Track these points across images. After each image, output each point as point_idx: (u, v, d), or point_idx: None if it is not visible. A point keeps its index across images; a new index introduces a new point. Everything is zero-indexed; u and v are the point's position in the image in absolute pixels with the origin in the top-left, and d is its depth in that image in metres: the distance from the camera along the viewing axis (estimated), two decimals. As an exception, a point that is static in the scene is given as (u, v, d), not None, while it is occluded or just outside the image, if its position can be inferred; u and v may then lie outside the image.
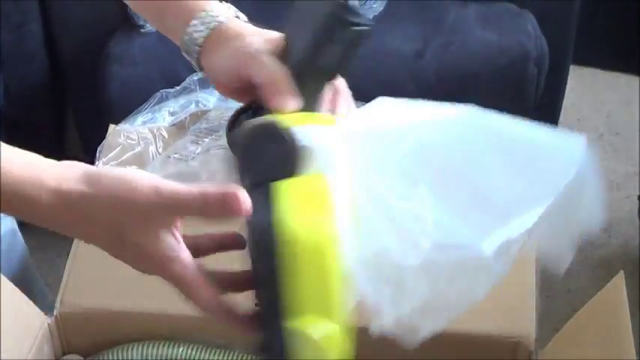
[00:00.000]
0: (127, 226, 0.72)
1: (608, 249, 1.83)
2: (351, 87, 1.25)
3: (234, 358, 1.05)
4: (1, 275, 1.01)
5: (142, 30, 1.70)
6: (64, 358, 1.09)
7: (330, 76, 0.82)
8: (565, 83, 1.87)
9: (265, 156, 0.74)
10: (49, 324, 1.07)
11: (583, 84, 2.18)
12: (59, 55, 1.80)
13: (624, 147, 2.04)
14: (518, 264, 1.07)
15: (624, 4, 2.13)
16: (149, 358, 1.05)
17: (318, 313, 0.73)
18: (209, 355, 1.05)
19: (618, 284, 0.93)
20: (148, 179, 0.72)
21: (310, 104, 0.79)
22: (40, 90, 1.80)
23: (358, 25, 0.78)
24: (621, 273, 0.93)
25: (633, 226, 1.83)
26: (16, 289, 1.05)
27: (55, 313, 1.07)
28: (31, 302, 1.06)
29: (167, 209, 0.72)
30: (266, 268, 0.71)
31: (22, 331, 1.05)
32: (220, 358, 1.05)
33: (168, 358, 1.05)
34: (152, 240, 0.73)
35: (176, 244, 0.74)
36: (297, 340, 0.73)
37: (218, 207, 0.71)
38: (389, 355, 1.06)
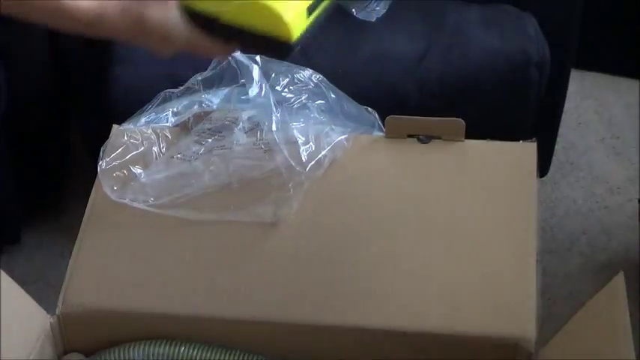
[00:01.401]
0: None
1: (609, 253, 1.83)
2: (354, 90, 1.26)
3: (236, 357, 1.06)
4: (3, 274, 1.02)
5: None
6: (66, 357, 1.09)
7: None
8: (566, 87, 1.88)
9: None
10: (51, 323, 1.08)
11: (584, 88, 2.19)
12: (62, 56, 1.80)
13: (625, 151, 2.04)
14: (519, 266, 1.08)
15: (626, 7, 2.13)
16: (150, 357, 1.05)
17: None
18: (210, 355, 1.05)
19: (618, 284, 0.94)
20: None
21: None
22: (44, 90, 1.81)
23: None
24: (621, 273, 0.94)
25: (634, 229, 1.83)
26: (18, 288, 1.05)
27: (57, 313, 1.08)
28: (33, 301, 1.06)
29: None
30: None
31: (24, 330, 1.05)
32: (221, 357, 1.05)
33: (170, 357, 1.06)
34: None
35: None
36: None
37: None
38: (387, 355, 1.07)
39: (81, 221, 1.14)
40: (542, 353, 1.01)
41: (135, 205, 1.12)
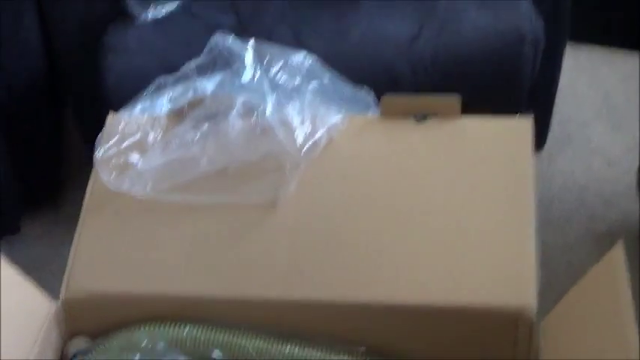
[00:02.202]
0: None
1: (608, 222, 1.83)
2: (348, 71, 1.27)
3: (240, 337, 1.07)
4: (5, 263, 1.02)
5: (137, 20, 1.70)
6: (72, 341, 1.09)
7: None
8: (561, 62, 1.88)
9: None
10: (55, 309, 1.08)
11: (580, 61, 2.19)
12: (56, 45, 1.80)
13: (622, 123, 2.05)
14: (518, 238, 1.09)
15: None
16: (155, 339, 1.06)
17: None
18: (213, 335, 1.06)
19: (618, 253, 0.94)
20: None
21: None
22: (38, 80, 1.81)
23: None
24: (620, 242, 0.94)
25: (633, 200, 1.83)
26: (21, 275, 1.05)
27: (61, 298, 1.08)
28: (36, 288, 1.07)
29: None
30: None
31: (29, 317, 1.06)
32: (226, 338, 1.06)
33: (174, 338, 1.06)
34: None
35: None
36: None
37: None
38: (389, 330, 1.07)
39: (80, 211, 1.15)
40: (544, 323, 1.02)
41: (133, 192, 1.12)
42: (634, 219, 1.82)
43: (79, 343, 1.09)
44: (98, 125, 1.19)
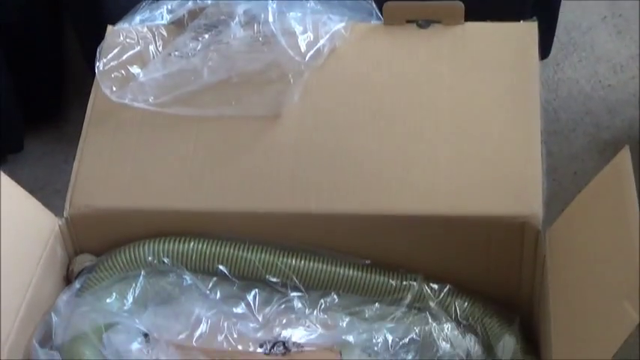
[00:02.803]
0: None
1: (613, 130, 1.82)
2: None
3: (246, 251, 1.07)
4: (8, 179, 1.02)
5: None
6: (77, 258, 1.10)
7: None
8: (566, -34, 1.85)
9: None
10: (59, 225, 1.08)
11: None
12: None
13: (628, 29, 2.02)
14: (524, 145, 1.08)
15: None
16: (160, 254, 1.06)
17: None
18: (219, 249, 1.06)
19: (623, 159, 0.93)
20: None
21: None
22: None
23: None
24: (626, 148, 0.93)
25: (637, 107, 1.82)
26: (26, 192, 1.05)
27: (65, 215, 1.08)
28: (40, 205, 1.07)
29: None
30: None
31: (33, 234, 1.06)
32: (231, 252, 1.06)
33: (179, 253, 1.06)
34: None
35: None
36: None
37: None
38: (395, 241, 1.07)
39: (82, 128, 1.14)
40: (550, 231, 1.02)
41: (135, 104, 1.11)
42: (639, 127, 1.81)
43: (84, 260, 1.09)
44: (97, 40, 1.18)
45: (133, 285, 1.06)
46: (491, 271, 1.08)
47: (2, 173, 1.01)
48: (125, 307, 1.05)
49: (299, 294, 1.06)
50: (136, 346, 1.02)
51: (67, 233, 1.09)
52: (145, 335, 1.03)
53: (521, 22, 1.19)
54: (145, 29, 1.17)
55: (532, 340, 1.05)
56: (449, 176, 1.07)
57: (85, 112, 1.15)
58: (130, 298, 1.06)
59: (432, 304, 1.06)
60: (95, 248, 1.10)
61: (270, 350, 1.03)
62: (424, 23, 1.18)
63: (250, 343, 1.04)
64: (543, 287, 1.01)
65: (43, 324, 1.03)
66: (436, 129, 1.10)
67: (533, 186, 1.05)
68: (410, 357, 1.04)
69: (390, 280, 1.06)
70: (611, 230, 0.91)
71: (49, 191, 1.70)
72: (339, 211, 1.06)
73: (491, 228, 1.04)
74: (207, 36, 1.15)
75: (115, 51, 1.15)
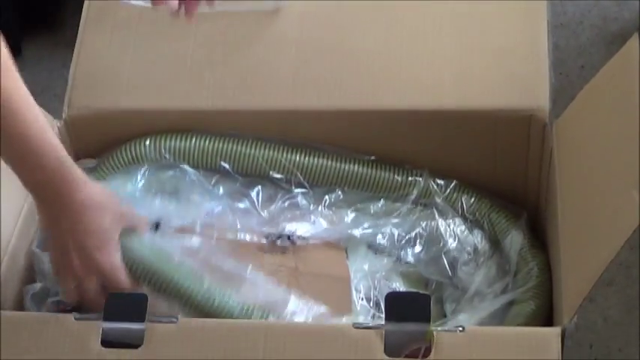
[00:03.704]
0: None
1: (622, 22, 1.80)
2: None
3: (249, 147, 1.05)
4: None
5: None
6: (80, 161, 1.08)
7: None
8: None
9: None
10: (58, 128, 1.07)
11: None
12: None
13: None
14: (530, 39, 1.06)
15: None
16: (161, 150, 1.05)
17: None
18: (223, 146, 1.05)
19: (631, 49, 0.92)
20: None
21: None
22: None
23: None
24: (635, 37, 0.91)
25: (647, -3, 1.80)
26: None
27: (63, 117, 1.07)
28: (38, 107, 1.05)
29: None
30: None
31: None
32: (235, 148, 1.05)
33: (181, 149, 1.05)
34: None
35: None
36: None
37: None
38: (399, 136, 1.06)
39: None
40: (558, 123, 1.00)
41: (132, 2, 1.09)
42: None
43: (85, 163, 1.08)
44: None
45: (137, 177, 1.06)
46: (498, 166, 1.07)
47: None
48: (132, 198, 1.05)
49: (303, 190, 1.06)
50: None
51: (65, 135, 1.08)
52: (156, 225, 1.03)
53: None
54: None
55: (539, 235, 1.05)
56: (454, 71, 1.05)
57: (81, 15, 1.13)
58: (136, 190, 1.05)
59: (438, 199, 1.05)
60: (94, 150, 1.09)
61: (275, 242, 1.03)
62: None
63: (255, 236, 1.03)
64: (550, 181, 1.00)
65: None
66: (440, 25, 1.08)
67: (540, 79, 1.03)
68: (416, 251, 1.04)
69: (396, 176, 1.05)
70: (619, 120, 0.90)
71: (48, 96, 1.67)
72: (342, 107, 1.04)
73: (497, 122, 1.03)
74: None
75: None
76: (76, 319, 0.87)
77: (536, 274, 1.00)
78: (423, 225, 1.04)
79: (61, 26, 1.87)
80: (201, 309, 0.94)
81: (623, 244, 0.80)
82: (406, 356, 0.84)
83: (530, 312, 0.96)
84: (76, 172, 0.92)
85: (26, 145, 0.88)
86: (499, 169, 1.07)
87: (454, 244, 1.04)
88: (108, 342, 0.86)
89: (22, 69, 0.89)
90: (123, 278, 0.94)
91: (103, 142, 1.08)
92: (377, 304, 1.00)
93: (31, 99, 0.89)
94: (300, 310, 0.95)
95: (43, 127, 0.89)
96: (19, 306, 0.99)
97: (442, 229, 1.04)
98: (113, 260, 0.94)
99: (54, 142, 0.90)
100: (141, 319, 0.86)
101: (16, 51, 1.77)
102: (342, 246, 1.04)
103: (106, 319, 0.86)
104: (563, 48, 1.74)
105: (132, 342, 0.86)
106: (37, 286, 1.00)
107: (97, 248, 0.93)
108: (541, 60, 1.05)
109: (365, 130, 1.06)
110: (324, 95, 1.05)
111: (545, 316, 0.96)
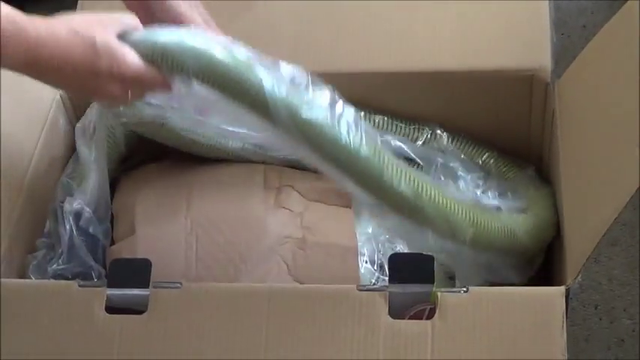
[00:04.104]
0: None
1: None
2: None
3: None
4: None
5: None
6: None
7: None
8: None
9: None
10: (61, 95, 1.07)
11: None
12: None
13: None
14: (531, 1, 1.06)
15: None
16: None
17: None
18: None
19: (632, 6, 0.91)
20: None
21: None
22: None
23: None
24: (635, -3, 0.90)
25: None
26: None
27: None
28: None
29: None
30: None
31: (33, 105, 1.04)
32: None
33: None
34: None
35: None
36: None
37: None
38: (403, 97, 1.06)
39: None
40: (559, 84, 1.00)
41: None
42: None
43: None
44: None
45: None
46: (501, 127, 1.07)
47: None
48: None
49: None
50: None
51: (68, 103, 1.07)
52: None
53: None
54: None
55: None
56: (454, 32, 1.05)
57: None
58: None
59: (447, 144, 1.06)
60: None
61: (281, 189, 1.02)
62: None
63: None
64: (553, 141, 1.00)
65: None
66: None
67: (541, 39, 1.03)
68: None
69: (405, 127, 1.06)
70: (620, 80, 0.90)
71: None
72: (344, 69, 1.04)
73: (498, 82, 1.03)
74: None
75: None
76: (80, 286, 0.88)
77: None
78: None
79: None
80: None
81: (626, 204, 0.80)
82: (410, 317, 0.85)
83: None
84: (38, 23, 0.80)
85: None
86: (502, 129, 1.07)
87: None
88: (112, 308, 0.86)
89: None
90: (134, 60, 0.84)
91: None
92: (381, 267, 1.00)
93: None
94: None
95: None
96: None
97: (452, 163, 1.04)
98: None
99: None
100: (145, 284, 0.86)
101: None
102: (350, 210, 1.02)
103: (110, 285, 0.87)
104: (564, 8, 1.73)
105: (136, 308, 0.86)
106: (40, 254, 1.00)
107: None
108: (542, 20, 1.04)
109: (365, 92, 1.05)
110: (325, 58, 1.04)
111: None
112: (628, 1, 0.92)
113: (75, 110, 1.09)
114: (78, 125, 1.03)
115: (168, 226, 0.97)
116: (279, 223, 0.98)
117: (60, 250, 0.99)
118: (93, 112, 1.02)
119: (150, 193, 1.00)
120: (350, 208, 1.02)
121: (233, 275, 0.94)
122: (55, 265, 0.98)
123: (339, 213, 1.02)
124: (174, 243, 0.96)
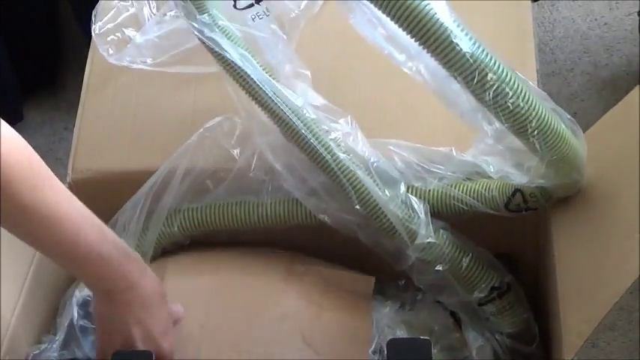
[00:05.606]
0: None
1: (612, 68, 1.81)
2: None
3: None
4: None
5: None
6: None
7: None
8: None
9: None
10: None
11: None
12: None
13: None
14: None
15: None
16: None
17: None
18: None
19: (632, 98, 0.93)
20: None
21: None
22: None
23: None
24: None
25: (635, 44, 1.82)
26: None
27: (68, 181, 1.08)
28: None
29: None
30: None
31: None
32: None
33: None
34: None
35: None
36: None
37: None
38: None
39: (80, 94, 1.14)
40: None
41: (134, 66, 1.11)
42: (637, 64, 1.80)
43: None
44: (90, 3, 1.17)
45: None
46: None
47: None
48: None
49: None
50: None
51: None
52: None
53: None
54: (138, -10, 1.17)
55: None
56: (448, 122, 1.06)
57: (82, 78, 1.15)
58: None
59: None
60: (100, 214, 1.09)
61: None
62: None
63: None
64: (547, 229, 1.01)
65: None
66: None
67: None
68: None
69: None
70: (619, 168, 0.92)
71: (50, 160, 1.67)
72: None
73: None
74: (201, -5, 1.14)
75: (110, 14, 1.14)
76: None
77: None
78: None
79: (61, 90, 1.88)
80: None
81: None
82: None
83: None
84: (140, 261, 0.93)
85: (88, 249, 0.89)
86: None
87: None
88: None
89: (23, 134, 0.90)
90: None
91: (108, 205, 1.07)
92: (380, 351, 1.01)
93: (78, 203, 0.91)
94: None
95: (100, 226, 0.91)
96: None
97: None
98: (172, 344, 0.95)
99: (113, 239, 0.92)
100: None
101: (17, 115, 1.80)
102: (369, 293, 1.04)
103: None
104: (554, 95, 1.75)
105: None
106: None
107: (163, 334, 0.94)
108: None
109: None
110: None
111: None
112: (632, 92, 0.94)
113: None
114: None
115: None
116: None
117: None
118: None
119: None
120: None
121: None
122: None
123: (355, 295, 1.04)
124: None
